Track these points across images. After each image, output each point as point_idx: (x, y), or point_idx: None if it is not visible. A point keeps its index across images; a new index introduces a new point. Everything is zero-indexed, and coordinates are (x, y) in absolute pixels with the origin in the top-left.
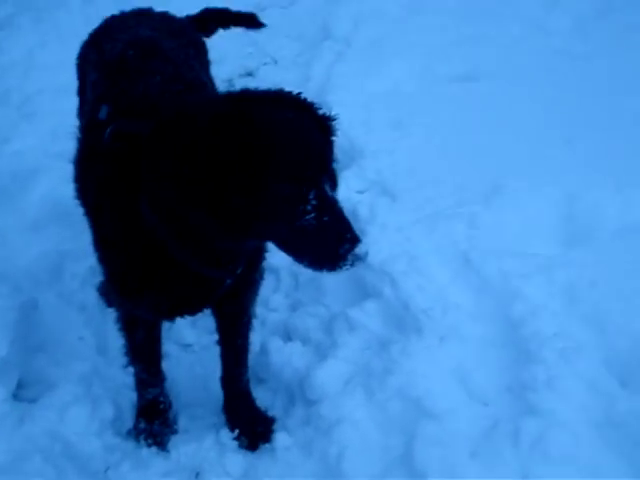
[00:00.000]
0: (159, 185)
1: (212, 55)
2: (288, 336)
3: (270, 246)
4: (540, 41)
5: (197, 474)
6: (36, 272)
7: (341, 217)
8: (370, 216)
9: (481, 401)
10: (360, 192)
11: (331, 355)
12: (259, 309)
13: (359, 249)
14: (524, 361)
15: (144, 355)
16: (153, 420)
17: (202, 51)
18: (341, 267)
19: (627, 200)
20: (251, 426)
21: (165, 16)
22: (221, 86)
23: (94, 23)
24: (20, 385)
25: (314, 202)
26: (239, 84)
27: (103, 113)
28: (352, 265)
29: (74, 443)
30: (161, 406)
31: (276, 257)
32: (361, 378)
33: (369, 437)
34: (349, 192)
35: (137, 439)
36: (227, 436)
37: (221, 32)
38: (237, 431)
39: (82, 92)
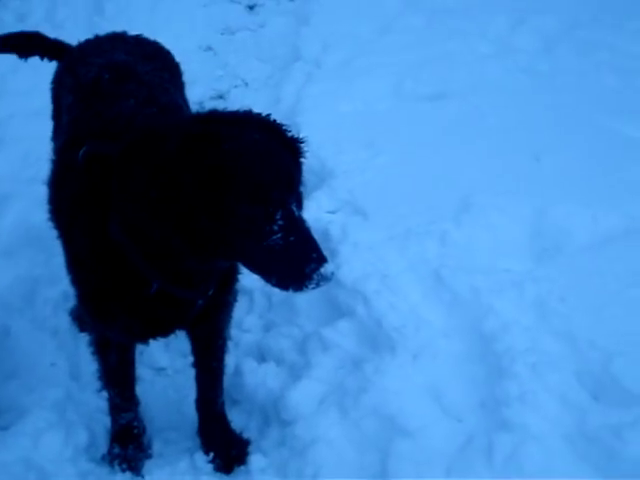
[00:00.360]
0: (128, 205)
1: (183, 77)
2: (262, 357)
3: (243, 268)
4: (507, 59)
5: None
6: (9, 298)
7: (308, 237)
8: (342, 235)
9: (455, 417)
10: (331, 212)
11: (305, 375)
12: (233, 330)
13: (325, 269)
14: (497, 376)
15: (118, 379)
16: (127, 445)
17: (176, 74)
18: (307, 286)
19: (594, 215)
20: (226, 449)
21: (139, 40)
22: (192, 108)
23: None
24: None
25: (281, 222)
26: (210, 106)
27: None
28: (318, 285)
29: (48, 470)
30: (135, 431)
31: (249, 278)
32: (335, 397)
33: (344, 456)
34: (320, 212)
35: (111, 464)
36: (202, 459)
37: (192, 55)
38: (212, 454)
39: (57, 116)
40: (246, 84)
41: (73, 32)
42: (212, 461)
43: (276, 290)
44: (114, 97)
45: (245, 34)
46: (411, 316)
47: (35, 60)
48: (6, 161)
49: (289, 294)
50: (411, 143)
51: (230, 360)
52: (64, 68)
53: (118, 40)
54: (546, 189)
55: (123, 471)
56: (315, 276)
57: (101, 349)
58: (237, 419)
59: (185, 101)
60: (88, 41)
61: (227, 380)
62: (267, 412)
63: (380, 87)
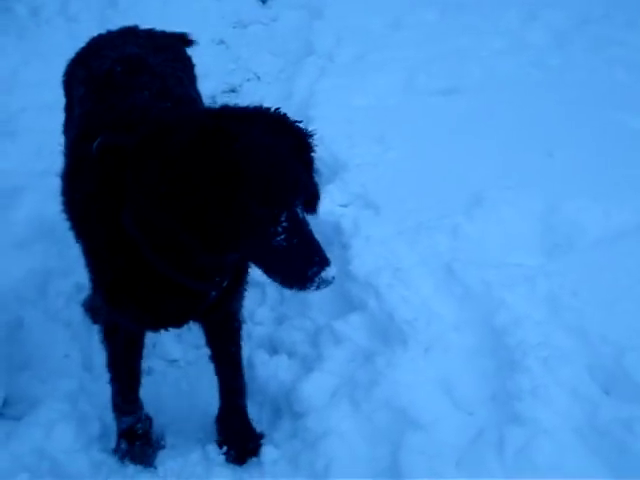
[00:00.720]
0: (139, 198)
1: (196, 71)
2: (274, 349)
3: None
4: (519, 54)
5: None
6: (22, 290)
7: (311, 240)
8: (354, 229)
9: (466, 410)
10: (344, 206)
11: (317, 368)
12: (245, 323)
13: (326, 272)
14: (508, 370)
15: (123, 371)
16: (134, 441)
17: (189, 66)
18: (309, 288)
19: (606, 210)
20: (243, 442)
21: (151, 33)
22: (205, 102)
23: (77, 41)
24: (6, 403)
25: (285, 224)
26: (222, 100)
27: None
28: (318, 288)
29: (61, 460)
30: (139, 431)
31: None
32: (347, 390)
33: (356, 448)
34: (333, 206)
35: (121, 460)
36: (214, 451)
37: (204, 48)
38: (225, 447)
39: (69, 108)
40: (258, 78)
41: (86, 25)
42: (226, 453)
43: None
44: (127, 89)
45: (258, 28)
46: (423, 309)
47: (46, 53)
48: (19, 154)
49: None
50: (423, 137)
51: (242, 352)
52: (76, 61)
53: (130, 34)
54: (558, 184)
55: (135, 464)
56: (316, 279)
57: (110, 336)
58: (249, 411)
59: (198, 93)
60: (101, 35)
61: None
62: (279, 404)
63: (392, 82)
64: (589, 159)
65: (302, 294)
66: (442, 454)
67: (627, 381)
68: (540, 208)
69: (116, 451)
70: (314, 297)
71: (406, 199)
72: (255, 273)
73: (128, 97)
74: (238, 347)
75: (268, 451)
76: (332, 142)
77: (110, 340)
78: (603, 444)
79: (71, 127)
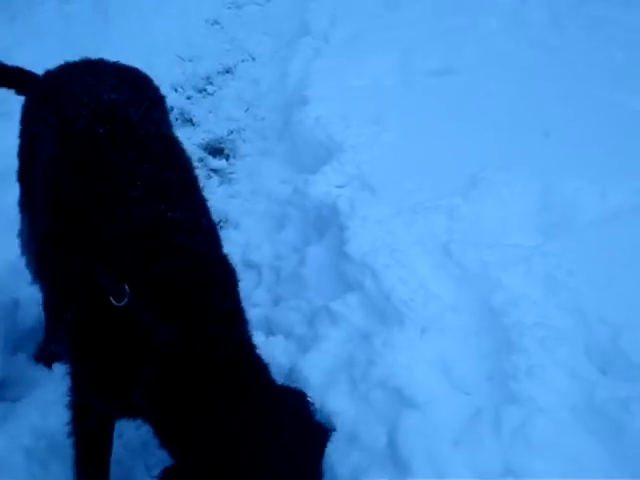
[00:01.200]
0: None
1: (191, 52)
2: (270, 331)
3: (252, 242)
4: (517, 34)
5: None
6: (17, 272)
7: None
8: (350, 210)
9: (463, 390)
10: (340, 187)
11: (314, 348)
12: None
13: None
14: (505, 350)
15: (93, 455)
16: None
17: (162, 106)
18: None
19: (603, 190)
20: None
21: (119, 69)
22: (199, 83)
23: (71, 21)
24: (2, 385)
25: None
26: (217, 81)
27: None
28: None
29: (58, 440)
30: None
31: (257, 252)
32: (344, 370)
33: (353, 428)
34: (329, 187)
35: None
36: None
37: (199, 29)
38: None
39: (27, 153)
40: (253, 58)
41: (80, 7)
42: None
43: (284, 264)
44: (115, 172)
45: (252, 8)
46: (420, 290)
47: (40, 34)
48: (13, 135)
49: (298, 268)
50: (419, 118)
51: None
52: (42, 98)
53: (99, 71)
54: (555, 164)
55: None
56: None
57: (79, 414)
58: None
59: (175, 138)
60: (62, 69)
61: None
62: None
63: (388, 62)
64: (586, 139)
65: (299, 273)
66: (439, 434)
67: (624, 361)
68: (537, 188)
69: None
70: (310, 278)
71: (402, 180)
72: (251, 255)
73: (119, 190)
74: None
75: None
76: (328, 123)
77: (79, 419)
78: (599, 423)
79: (34, 191)
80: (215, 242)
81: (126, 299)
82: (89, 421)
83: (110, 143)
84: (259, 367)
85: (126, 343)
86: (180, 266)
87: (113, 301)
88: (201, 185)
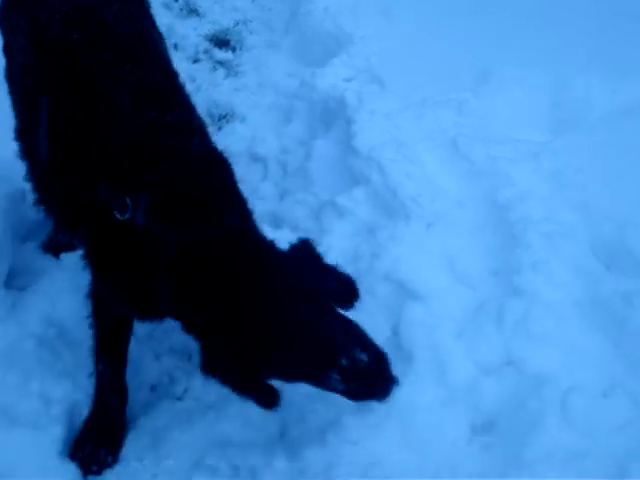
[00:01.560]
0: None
1: None
2: (277, 224)
3: (259, 135)
4: None
5: None
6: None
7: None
8: (358, 103)
9: (467, 284)
10: (348, 80)
11: (319, 242)
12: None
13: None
14: (510, 245)
15: (113, 343)
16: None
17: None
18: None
19: (615, 86)
20: None
21: None
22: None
23: None
24: (10, 274)
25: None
26: None
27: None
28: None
29: (67, 326)
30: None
31: (263, 146)
32: (349, 263)
33: (357, 320)
34: (337, 79)
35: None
36: None
37: None
38: None
39: (8, 52)
40: None
41: None
42: None
43: (290, 158)
44: (95, 77)
45: None
46: (426, 185)
47: None
48: None
49: (304, 162)
50: (430, 11)
51: None
52: (12, 2)
53: None
54: (567, 59)
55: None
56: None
57: (100, 310)
58: None
59: (158, 33)
60: None
61: None
62: None
63: None
64: (599, 35)
65: (306, 167)
66: (442, 326)
67: (628, 256)
68: (548, 84)
69: (72, 455)
70: (317, 172)
71: (412, 74)
72: (258, 149)
73: (105, 99)
74: None
75: None
76: (337, 13)
77: (99, 315)
78: (602, 317)
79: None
80: (209, 140)
81: (129, 212)
82: (108, 317)
83: (86, 48)
84: (268, 245)
85: (138, 253)
86: (182, 170)
87: (118, 215)
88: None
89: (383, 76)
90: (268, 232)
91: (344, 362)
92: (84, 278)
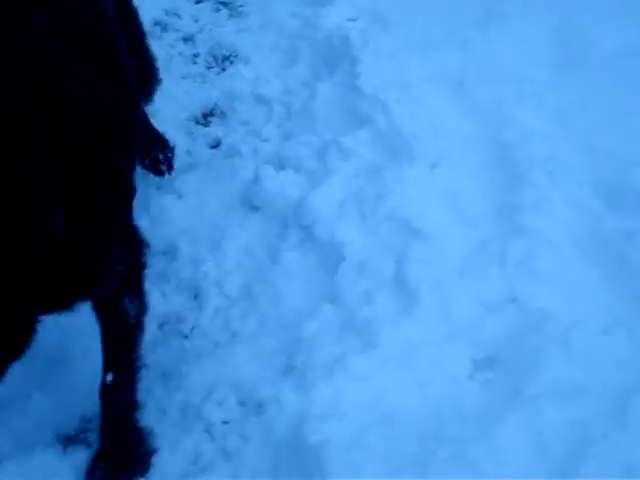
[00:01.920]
0: None
1: None
2: (281, 165)
3: (262, 76)
4: None
5: None
6: None
7: None
8: (362, 43)
9: (471, 223)
10: (352, 20)
11: (324, 182)
12: (252, 139)
13: None
14: (514, 184)
15: None
16: None
17: None
18: None
19: (620, 25)
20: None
21: None
22: None
23: None
24: None
25: None
26: None
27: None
28: None
29: None
30: None
31: (267, 87)
32: (354, 203)
33: (361, 258)
34: (341, 19)
35: None
36: None
37: None
38: None
39: None
40: None
41: None
42: None
43: (295, 99)
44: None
45: None
46: (431, 125)
47: None
48: None
49: (308, 103)
50: None
51: (249, 168)
52: None
53: None
54: None
55: None
56: None
57: None
58: (256, 226)
59: None
60: None
61: (246, 187)
62: (286, 218)
63: None
64: None
65: (310, 108)
66: (445, 264)
67: (631, 195)
68: (553, 23)
69: None
70: (321, 113)
71: (416, 13)
72: (261, 90)
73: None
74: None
75: None
76: None
77: None
78: (604, 255)
79: None
80: None
81: None
82: None
83: None
84: None
85: None
86: None
87: None
88: None
89: (387, 16)
90: (272, 172)
91: None
92: None
